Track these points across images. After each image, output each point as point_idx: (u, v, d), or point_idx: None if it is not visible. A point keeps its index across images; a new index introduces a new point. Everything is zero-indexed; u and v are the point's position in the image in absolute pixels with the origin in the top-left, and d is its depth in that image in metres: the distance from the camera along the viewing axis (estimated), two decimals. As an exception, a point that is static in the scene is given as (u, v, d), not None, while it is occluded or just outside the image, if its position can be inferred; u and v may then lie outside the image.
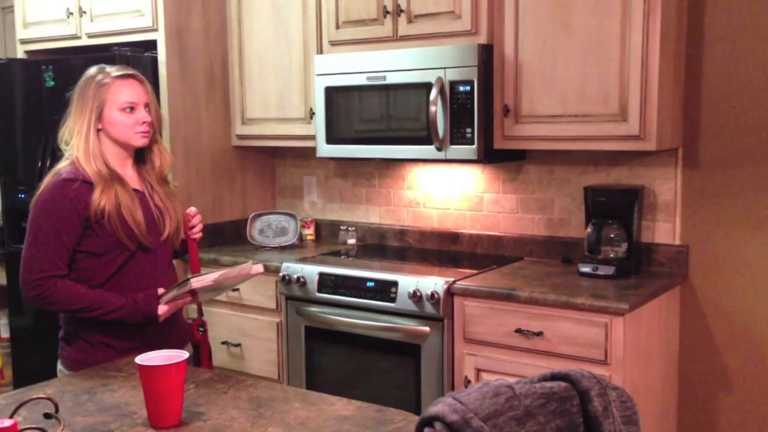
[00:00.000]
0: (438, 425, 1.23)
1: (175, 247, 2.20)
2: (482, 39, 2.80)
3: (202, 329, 2.20)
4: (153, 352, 1.59)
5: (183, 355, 1.57)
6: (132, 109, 2.03)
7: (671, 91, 2.65)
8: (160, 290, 2.02)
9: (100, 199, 1.96)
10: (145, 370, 1.53)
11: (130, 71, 2.10)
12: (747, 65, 2.66)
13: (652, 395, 2.68)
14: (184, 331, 2.18)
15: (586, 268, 2.72)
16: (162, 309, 2.00)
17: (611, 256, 2.73)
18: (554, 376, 1.35)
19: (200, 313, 2.25)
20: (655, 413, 2.71)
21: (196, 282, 1.94)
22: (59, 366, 2.09)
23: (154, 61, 3.29)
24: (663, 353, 2.76)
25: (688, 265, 2.81)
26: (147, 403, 1.55)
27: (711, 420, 2.82)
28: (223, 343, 3.24)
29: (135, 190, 2.05)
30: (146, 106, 2.07)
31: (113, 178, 2.00)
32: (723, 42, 2.70)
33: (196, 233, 2.22)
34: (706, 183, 2.77)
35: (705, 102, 2.75)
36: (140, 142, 2.07)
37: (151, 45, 3.30)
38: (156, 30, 3.28)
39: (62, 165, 2.04)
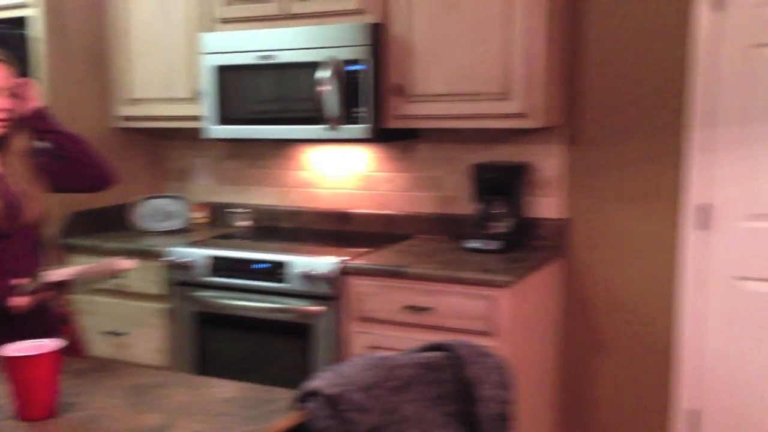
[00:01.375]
0: (318, 398, 1.23)
1: (39, 236, 2.06)
2: (373, 18, 2.80)
3: (64, 321, 2.09)
4: (22, 342, 1.50)
5: (54, 344, 1.49)
6: None
7: (555, 70, 2.73)
8: (17, 281, 1.89)
9: None
10: (10, 361, 1.45)
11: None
12: (625, 44, 2.77)
13: (536, 362, 2.78)
14: (52, 324, 2.05)
15: (473, 244, 2.79)
16: (16, 301, 1.85)
17: (498, 231, 2.80)
18: (433, 347, 1.38)
19: (61, 304, 2.12)
20: (538, 378, 2.82)
21: (48, 276, 1.83)
22: None
23: (28, 38, 3.09)
24: (546, 322, 2.87)
25: (570, 238, 2.92)
26: (16, 395, 1.47)
27: (589, 382, 2.96)
28: (107, 333, 3.11)
29: None
30: (8, 90, 1.91)
31: None
32: (602, 22, 2.79)
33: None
34: (587, 159, 2.89)
35: (587, 81, 2.85)
36: None
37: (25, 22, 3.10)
38: (31, 6, 3.09)
39: None
